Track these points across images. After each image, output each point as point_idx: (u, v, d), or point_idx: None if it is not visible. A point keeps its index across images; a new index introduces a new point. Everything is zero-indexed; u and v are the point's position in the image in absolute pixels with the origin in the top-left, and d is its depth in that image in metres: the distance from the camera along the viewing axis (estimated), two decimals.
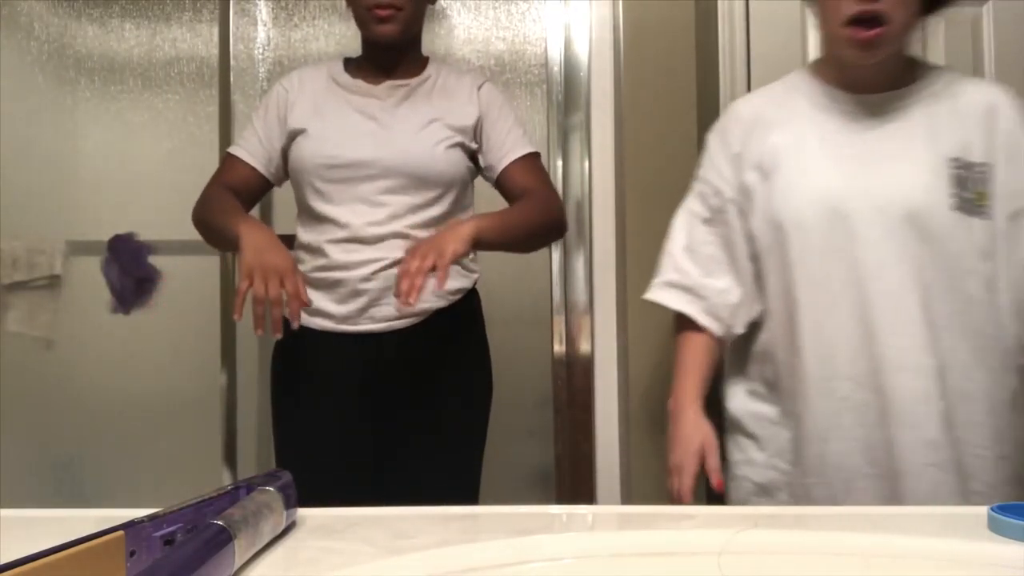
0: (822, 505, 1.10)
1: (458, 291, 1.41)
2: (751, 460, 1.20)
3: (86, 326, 1.93)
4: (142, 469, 1.86)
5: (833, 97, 1.16)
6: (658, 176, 1.74)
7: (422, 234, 1.36)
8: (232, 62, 1.91)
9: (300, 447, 1.39)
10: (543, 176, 1.46)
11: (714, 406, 1.23)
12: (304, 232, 1.42)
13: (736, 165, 1.20)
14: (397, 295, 1.20)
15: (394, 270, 1.33)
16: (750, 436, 1.21)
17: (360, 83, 1.43)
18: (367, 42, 1.44)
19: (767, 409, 1.19)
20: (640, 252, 1.73)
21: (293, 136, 1.41)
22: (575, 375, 1.80)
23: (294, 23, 1.95)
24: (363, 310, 1.35)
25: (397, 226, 1.35)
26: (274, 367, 1.47)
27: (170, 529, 0.59)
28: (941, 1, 1.15)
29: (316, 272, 1.37)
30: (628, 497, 1.72)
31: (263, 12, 1.96)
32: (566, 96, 1.84)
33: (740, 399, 1.23)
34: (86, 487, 1.92)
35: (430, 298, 1.36)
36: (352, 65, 1.48)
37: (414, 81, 1.43)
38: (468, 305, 1.44)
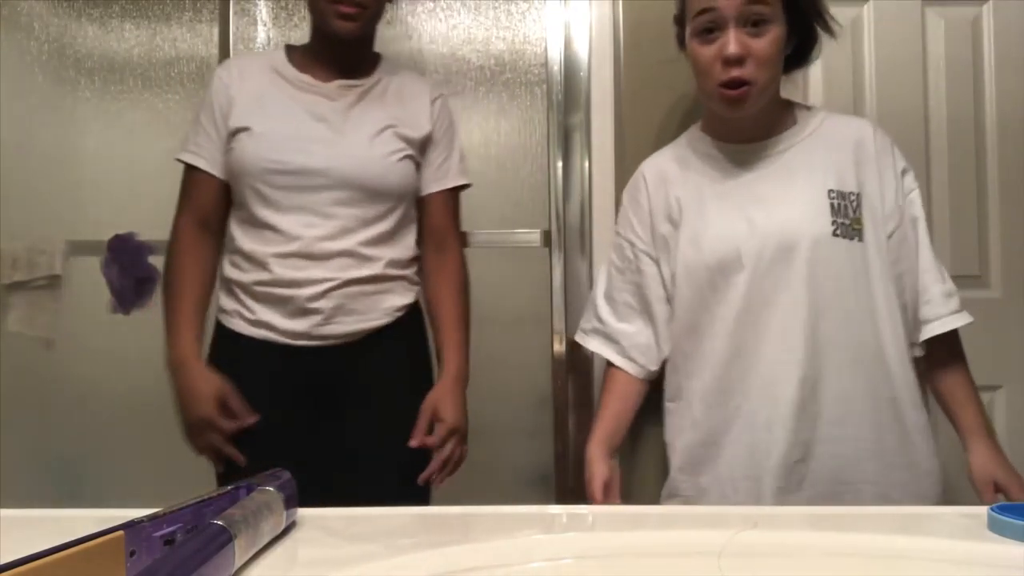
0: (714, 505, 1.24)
1: (403, 307, 1.39)
2: (669, 468, 1.35)
3: (86, 326, 1.92)
4: (142, 469, 1.86)
5: (721, 149, 1.32)
6: None
7: (370, 252, 1.32)
8: None
9: (243, 451, 1.32)
10: (456, 218, 1.47)
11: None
12: (244, 238, 1.33)
13: (648, 219, 1.35)
14: (431, 475, 1.35)
15: (346, 289, 1.30)
16: (670, 445, 1.35)
17: (308, 79, 1.36)
18: (321, 35, 1.37)
19: (676, 421, 1.34)
20: None
21: (234, 133, 1.33)
22: (575, 375, 1.80)
23: (294, 23, 1.95)
24: (315, 327, 1.31)
25: (348, 243, 1.30)
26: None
27: (170, 529, 0.59)
28: (802, 60, 1.32)
29: (260, 286, 1.31)
30: (628, 497, 1.71)
31: (263, 12, 1.96)
32: (566, 96, 1.84)
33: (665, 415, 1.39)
34: (86, 487, 1.91)
35: (379, 315, 1.34)
36: (297, 56, 1.39)
37: (366, 82, 1.38)
38: (412, 319, 1.42)
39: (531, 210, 1.88)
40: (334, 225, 1.30)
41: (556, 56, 1.85)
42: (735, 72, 1.19)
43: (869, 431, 1.22)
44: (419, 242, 1.45)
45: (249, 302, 1.33)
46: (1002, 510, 0.68)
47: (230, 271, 1.36)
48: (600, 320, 1.41)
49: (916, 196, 1.31)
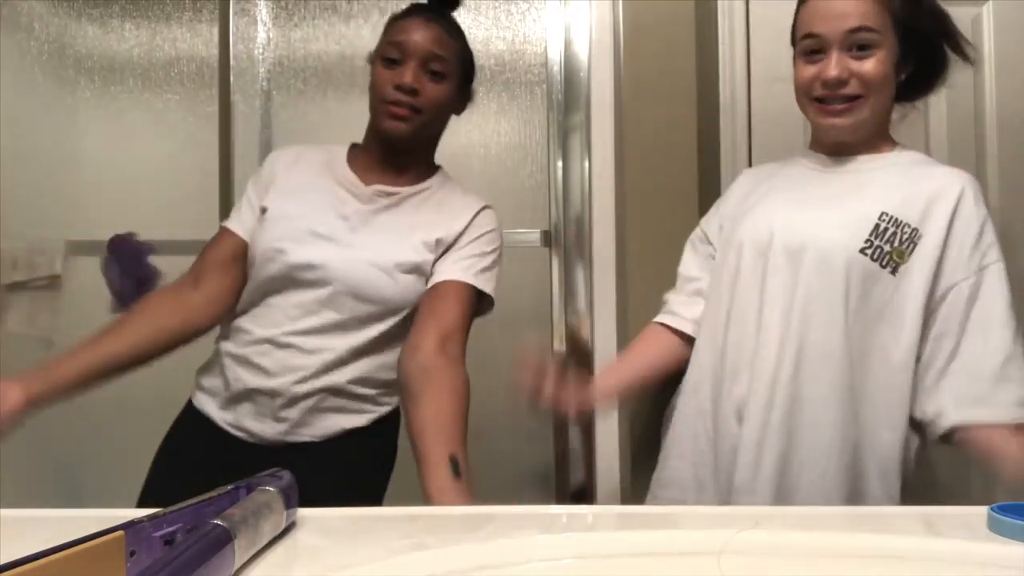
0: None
1: (368, 423, 1.32)
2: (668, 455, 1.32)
3: (86, 326, 1.92)
4: (142, 469, 1.86)
5: (810, 157, 1.29)
6: (658, 176, 1.74)
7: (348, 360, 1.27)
8: (232, 62, 1.92)
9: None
10: (466, 321, 1.28)
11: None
12: (245, 319, 1.31)
13: (720, 215, 1.35)
14: None
15: (317, 396, 1.26)
16: (674, 430, 1.31)
17: (351, 179, 1.31)
18: (374, 133, 1.33)
19: (681, 412, 1.30)
20: (640, 252, 1.73)
21: (261, 212, 1.31)
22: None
23: (294, 23, 1.95)
24: (281, 433, 1.27)
25: (330, 342, 1.26)
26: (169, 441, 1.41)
27: (170, 529, 0.59)
28: (922, 88, 1.26)
29: (246, 347, 1.30)
30: (628, 497, 1.72)
31: (263, 12, 1.96)
32: (566, 96, 1.84)
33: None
34: (86, 487, 1.91)
35: (346, 422, 1.30)
36: (356, 154, 1.36)
37: (406, 190, 1.32)
38: (384, 426, 1.36)
39: (531, 210, 1.88)
40: (318, 321, 1.26)
41: (556, 56, 1.86)
42: (831, 92, 1.17)
43: (825, 470, 1.13)
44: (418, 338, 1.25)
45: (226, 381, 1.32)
46: (1002, 510, 0.68)
47: (224, 344, 1.35)
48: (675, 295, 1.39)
49: (998, 270, 1.16)
